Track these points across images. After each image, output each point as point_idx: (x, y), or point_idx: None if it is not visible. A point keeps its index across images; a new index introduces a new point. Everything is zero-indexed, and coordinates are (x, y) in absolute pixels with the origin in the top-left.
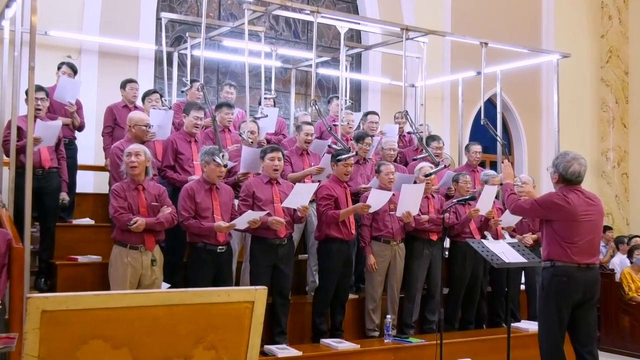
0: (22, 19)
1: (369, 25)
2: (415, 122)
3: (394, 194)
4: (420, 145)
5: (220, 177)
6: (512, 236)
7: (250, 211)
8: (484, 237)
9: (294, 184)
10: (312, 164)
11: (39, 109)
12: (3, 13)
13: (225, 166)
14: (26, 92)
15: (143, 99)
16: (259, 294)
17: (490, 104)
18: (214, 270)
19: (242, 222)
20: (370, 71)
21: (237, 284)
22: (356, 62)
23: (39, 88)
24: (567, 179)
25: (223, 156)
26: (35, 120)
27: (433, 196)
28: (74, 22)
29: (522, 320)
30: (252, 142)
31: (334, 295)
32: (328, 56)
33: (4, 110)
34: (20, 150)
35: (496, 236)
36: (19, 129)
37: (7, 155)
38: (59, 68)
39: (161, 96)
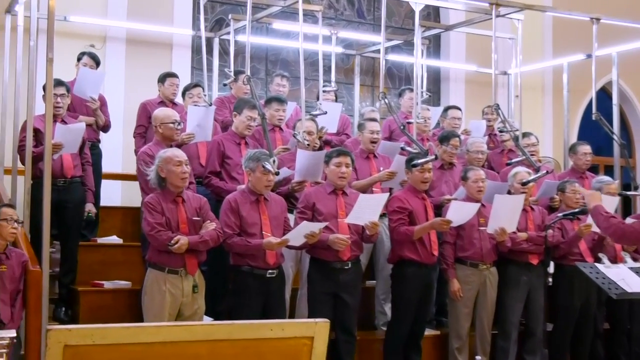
0: (38, 3)
1: (450, 1)
2: (509, 118)
3: (484, 206)
4: (516, 147)
5: (269, 187)
6: (635, 259)
7: (306, 222)
8: (598, 260)
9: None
10: (381, 168)
11: (59, 107)
12: None
13: (276, 174)
14: (44, 88)
15: (183, 94)
16: (319, 328)
17: (604, 94)
18: (263, 298)
19: (297, 235)
20: (452, 57)
21: (292, 315)
22: (434, 46)
23: (59, 82)
24: None
25: (273, 162)
26: (55, 121)
27: (532, 209)
28: (98, 5)
29: None
30: (309, 145)
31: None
32: (400, 39)
33: (18, 109)
34: (38, 158)
35: (614, 259)
36: (37, 131)
37: (23, 163)
38: (79, 59)
39: (203, 90)
